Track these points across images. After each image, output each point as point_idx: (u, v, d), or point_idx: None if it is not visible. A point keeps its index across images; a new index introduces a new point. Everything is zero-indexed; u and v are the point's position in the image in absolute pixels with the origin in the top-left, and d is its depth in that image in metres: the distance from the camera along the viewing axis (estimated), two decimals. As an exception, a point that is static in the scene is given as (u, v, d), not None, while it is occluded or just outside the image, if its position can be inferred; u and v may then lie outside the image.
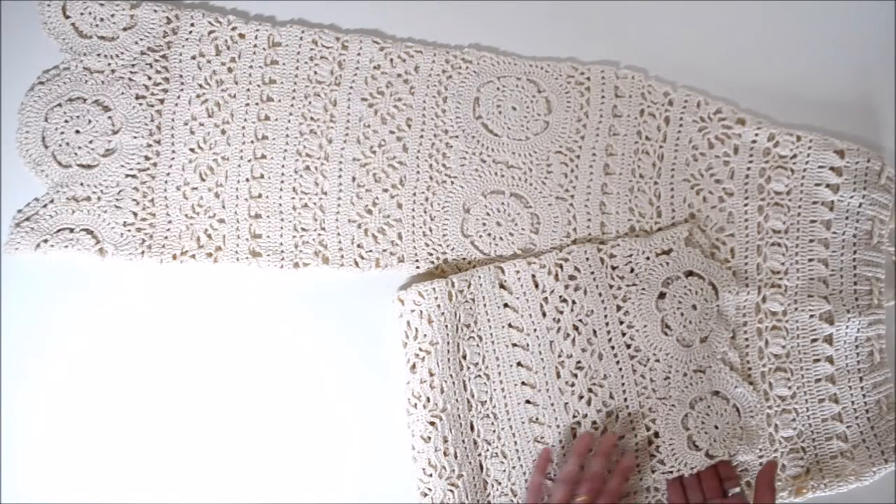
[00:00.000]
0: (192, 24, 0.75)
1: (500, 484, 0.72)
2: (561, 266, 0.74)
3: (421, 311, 0.73)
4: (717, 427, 0.71)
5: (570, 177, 0.76)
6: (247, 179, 0.75)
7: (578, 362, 0.72)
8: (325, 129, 0.76)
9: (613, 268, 0.74)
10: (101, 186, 0.73)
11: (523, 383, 0.73)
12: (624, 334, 0.73)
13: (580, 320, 0.73)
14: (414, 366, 0.72)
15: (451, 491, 0.71)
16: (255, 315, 0.74)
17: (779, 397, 0.74)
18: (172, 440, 0.72)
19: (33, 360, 0.72)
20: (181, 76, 0.75)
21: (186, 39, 0.75)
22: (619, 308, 0.73)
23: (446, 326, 0.73)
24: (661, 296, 0.74)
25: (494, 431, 0.72)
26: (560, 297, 0.73)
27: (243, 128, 0.75)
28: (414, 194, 0.76)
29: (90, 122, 0.74)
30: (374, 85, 0.76)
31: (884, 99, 0.80)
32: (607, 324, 0.73)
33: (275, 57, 0.76)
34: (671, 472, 0.71)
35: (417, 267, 0.75)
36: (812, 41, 0.80)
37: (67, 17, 0.74)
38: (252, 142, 0.75)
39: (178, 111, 0.75)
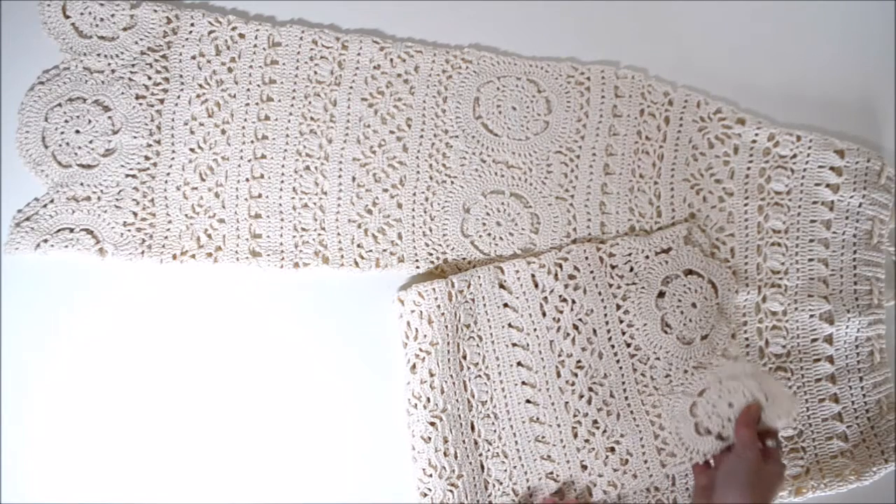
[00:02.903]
0: (192, 24, 0.75)
1: (501, 484, 0.72)
2: (560, 265, 0.74)
3: (421, 312, 0.73)
4: (731, 405, 0.66)
5: (570, 177, 0.76)
6: (247, 179, 0.75)
7: (578, 361, 0.72)
8: (325, 129, 0.76)
9: (613, 266, 0.74)
10: (101, 186, 0.73)
11: (524, 383, 0.73)
12: (624, 333, 0.73)
13: (580, 319, 0.73)
14: (414, 366, 0.72)
15: (451, 491, 0.71)
16: (255, 315, 0.74)
17: (779, 397, 0.74)
18: (173, 440, 0.72)
19: (33, 360, 0.72)
20: (181, 76, 0.75)
21: (186, 39, 0.75)
22: (618, 307, 0.73)
23: (446, 327, 0.73)
24: (661, 294, 0.74)
25: (495, 431, 0.72)
26: (560, 296, 0.73)
27: (243, 128, 0.75)
28: (414, 194, 0.76)
29: (90, 122, 0.74)
30: (374, 85, 0.76)
31: (884, 99, 0.80)
32: (607, 323, 0.73)
33: (275, 57, 0.76)
34: (683, 462, 0.69)
35: (417, 267, 0.75)
36: (812, 41, 0.80)
37: (67, 17, 0.74)
38: (252, 142, 0.75)
39: (178, 111, 0.75)
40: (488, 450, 0.72)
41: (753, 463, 0.62)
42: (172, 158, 0.74)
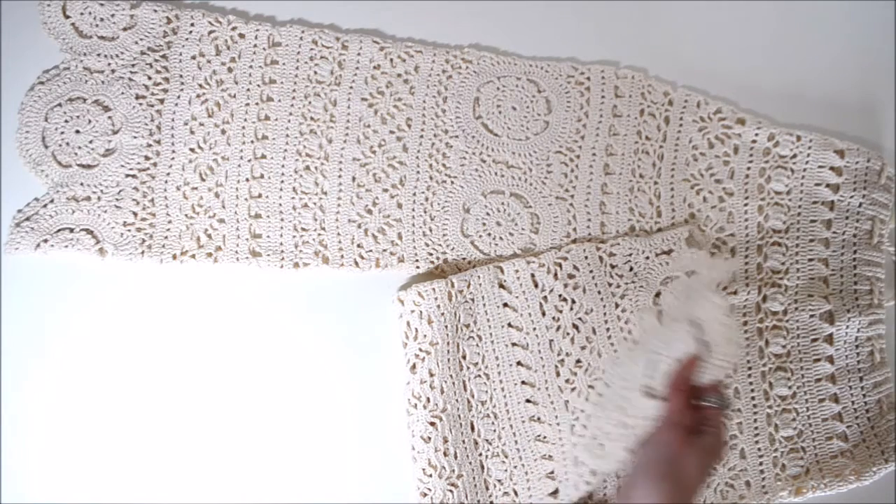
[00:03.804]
0: (192, 24, 0.76)
1: (501, 483, 0.72)
2: (560, 265, 0.74)
3: (421, 312, 0.73)
4: (672, 359, 0.60)
5: (570, 177, 0.76)
6: (247, 179, 0.75)
7: (578, 360, 0.72)
8: (325, 129, 0.76)
9: (612, 266, 0.74)
10: (101, 186, 0.73)
11: (523, 382, 0.73)
12: (622, 331, 0.73)
13: (579, 318, 0.73)
14: (414, 366, 0.72)
15: (451, 491, 0.71)
16: (255, 315, 0.74)
17: (779, 397, 0.74)
18: (173, 440, 0.72)
19: (33, 360, 0.72)
20: (181, 76, 0.75)
21: (186, 39, 0.75)
22: (617, 306, 0.73)
23: (446, 327, 0.73)
24: (658, 294, 0.73)
25: (495, 431, 0.72)
26: (559, 295, 0.73)
27: (243, 128, 0.75)
28: (414, 194, 0.76)
29: (90, 122, 0.74)
30: (374, 85, 0.76)
31: (884, 99, 0.80)
32: (606, 321, 0.73)
33: (275, 57, 0.76)
34: (637, 431, 0.61)
35: (417, 267, 0.75)
36: (812, 41, 0.80)
37: (67, 17, 0.74)
38: (252, 142, 0.75)
39: (178, 111, 0.75)
40: (488, 450, 0.72)
41: (674, 447, 0.56)
42: (172, 158, 0.74)
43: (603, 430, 0.66)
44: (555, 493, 0.71)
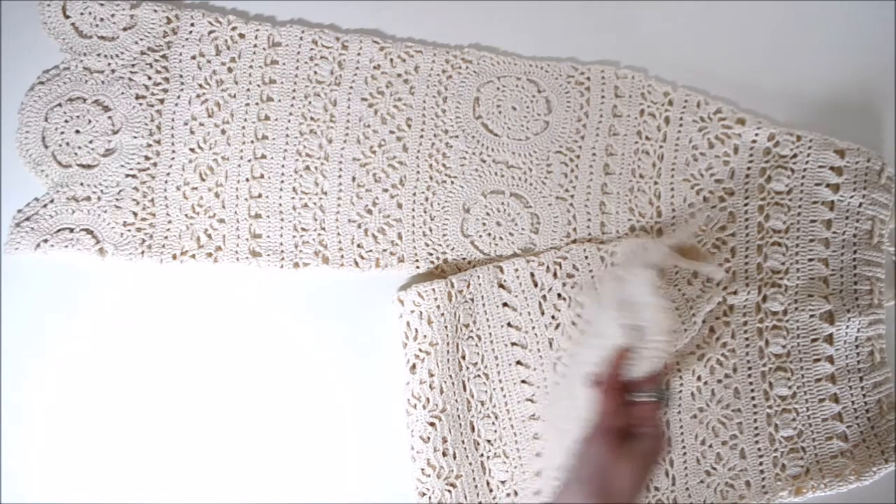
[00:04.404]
0: (192, 24, 0.76)
1: (503, 484, 0.72)
2: (560, 264, 0.74)
3: (421, 312, 0.73)
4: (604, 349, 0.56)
5: (570, 177, 0.76)
6: (247, 179, 0.75)
7: (577, 360, 0.72)
8: (325, 129, 0.76)
9: (613, 266, 0.74)
10: (101, 186, 0.73)
11: (523, 381, 0.73)
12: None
13: (579, 317, 0.73)
14: (414, 366, 0.72)
15: (449, 491, 0.71)
16: (255, 315, 0.74)
17: (779, 397, 0.74)
18: (172, 440, 0.72)
19: (33, 360, 0.72)
20: (181, 76, 0.75)
21: (186, 39, 0.75)
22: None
23: (446, 327, 0.73)
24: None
25: (495, 431, 0.72)
26: (558, 294, 0.73)
27: (243, 128, 0.75)
28: (414, 194, 0.76)
29: (90, 122, 0.74)
30: (374, 85, 0.76)
31: (884, 99, 0.80)
32: (606, 321, 0.73)
33: (275, 57, 0.76)
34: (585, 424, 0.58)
35: (417, 267, 0.75)
36: (812, 41, 0.80)
37: (67, 17, 0.74)
38: (252, 142, 0.75)
39: (178, 111, 0.75)
40: (489, 450, 0.72)
41: (604, 459, 0.53)
42: (172, 158, 0.74)
43: (558, 421, 0.64)
44: (539, 492, 0.71)
